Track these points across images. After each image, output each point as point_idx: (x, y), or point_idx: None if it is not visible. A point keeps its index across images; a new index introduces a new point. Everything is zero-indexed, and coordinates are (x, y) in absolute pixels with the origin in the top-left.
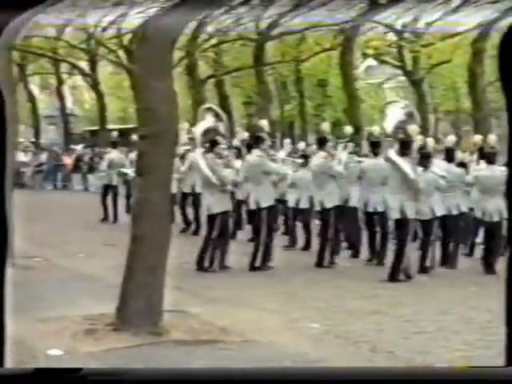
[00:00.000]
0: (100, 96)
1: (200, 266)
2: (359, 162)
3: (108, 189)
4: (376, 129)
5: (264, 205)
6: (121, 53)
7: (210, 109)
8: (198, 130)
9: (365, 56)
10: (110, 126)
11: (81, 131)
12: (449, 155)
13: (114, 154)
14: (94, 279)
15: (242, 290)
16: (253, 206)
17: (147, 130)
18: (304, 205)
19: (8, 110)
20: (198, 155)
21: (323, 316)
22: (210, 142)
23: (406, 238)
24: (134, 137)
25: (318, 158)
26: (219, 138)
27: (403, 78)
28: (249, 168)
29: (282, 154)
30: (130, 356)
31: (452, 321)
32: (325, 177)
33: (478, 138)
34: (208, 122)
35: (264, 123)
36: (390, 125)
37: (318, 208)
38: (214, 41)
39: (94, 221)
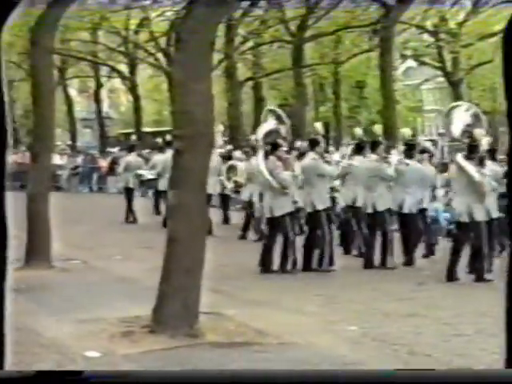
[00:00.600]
0: (137, 99)
1: (266, 269)
2: (407, 164)
3: (128, 191)
4: (407, 131)
5: (320, 207)
6: (159, 55)
7: (272, 111)
8: (260, 132)
9: (403, 57)
10: (145, 129)
11: (116, 134)
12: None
13: (131, 157)
14: (131, 281)
15: (279, 293)
16: (309, 209)
17: (183, 132)
18: None
19: (46, 114)
20: (259, 158)
21: (360, 318)
22: (272, 144)
23: (480, 240)
24: (159, 140)
25: (369, 161)
26: (281, 141)
27: (441, 79)
28: (304, 171)
29: (336, 157)
30: (166, 358)
31: (490, 323)
32: (376, 179)
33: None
34: (270, 124)
35: (319, 126)
36: (457, 128)
37: (369, 210)
38: (250, 43)
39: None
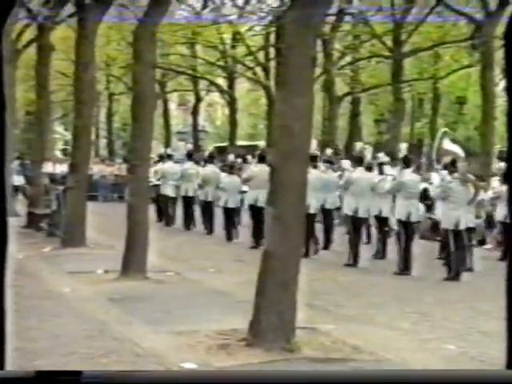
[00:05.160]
0: (233, 113)
1: None
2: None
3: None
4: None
5: None
6: (258, 69)
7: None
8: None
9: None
10: (239, 143)
11: (210, 148)
12: None
13: (159, 166)
14: (224, 294)
15: (372, 309)
16: None
17: (281, 146)
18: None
19: (145, 127)
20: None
21: (457, 337)
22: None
23: None
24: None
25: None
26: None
27: None
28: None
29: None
30: None
31: None
32: None
33: None
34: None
35: None
36: None
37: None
38: (349, 58)
39: (219, 235)
